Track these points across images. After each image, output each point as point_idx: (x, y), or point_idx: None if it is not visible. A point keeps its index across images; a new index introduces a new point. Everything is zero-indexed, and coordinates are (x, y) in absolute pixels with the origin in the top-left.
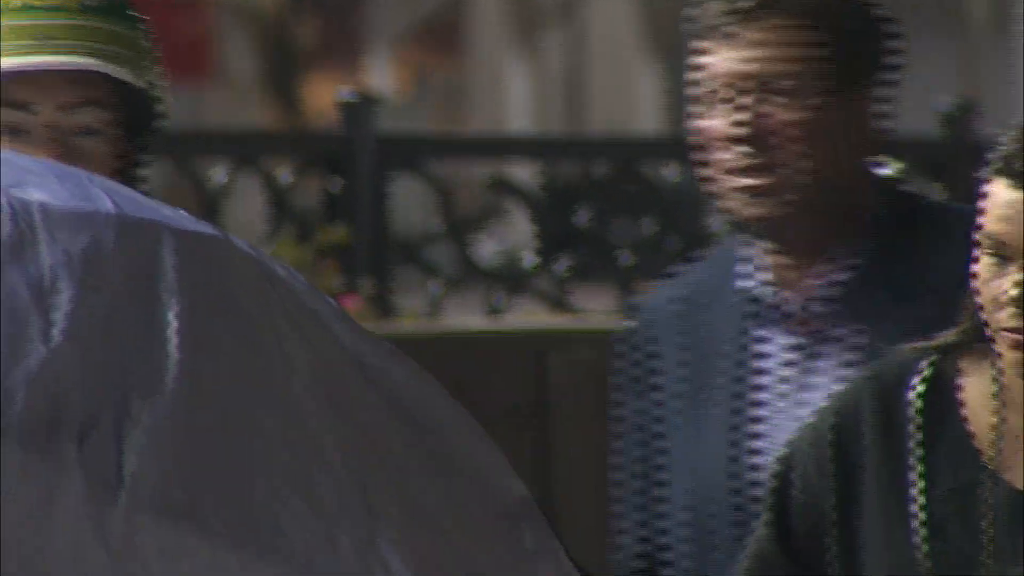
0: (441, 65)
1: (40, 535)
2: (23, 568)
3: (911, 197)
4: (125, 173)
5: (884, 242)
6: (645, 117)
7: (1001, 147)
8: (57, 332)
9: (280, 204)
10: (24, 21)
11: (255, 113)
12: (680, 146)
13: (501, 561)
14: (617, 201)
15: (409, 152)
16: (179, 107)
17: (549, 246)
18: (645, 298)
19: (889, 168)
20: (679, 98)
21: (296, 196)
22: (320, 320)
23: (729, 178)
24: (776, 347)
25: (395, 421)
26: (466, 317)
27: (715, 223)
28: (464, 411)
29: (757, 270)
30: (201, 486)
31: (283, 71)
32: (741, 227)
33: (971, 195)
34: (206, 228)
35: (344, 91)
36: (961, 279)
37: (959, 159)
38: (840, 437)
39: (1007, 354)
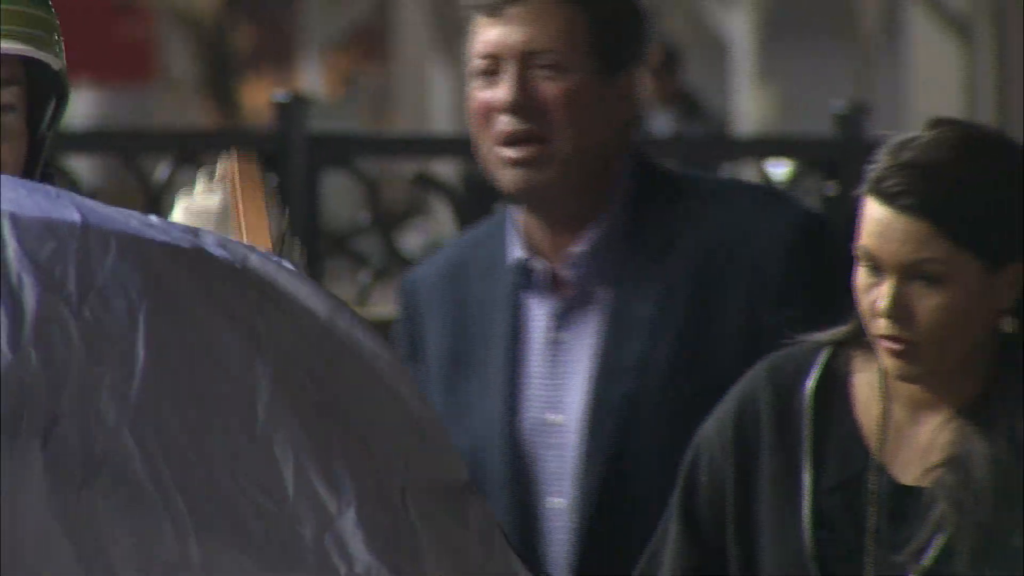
0: (369, 69)
1: (8, 527)
2: None
3: (665, 170)
4: (34, 148)
5: (634, 210)
6: None
7: (874, 166)
8: (24, 337)
9: None
10: None
11: (196, 113)
12: None
13: (450, 536)
14: None
15: (339, 150)
16: (125, 107)
17: None
18: (410, 272)
19: (783, 167)
20: None
21: None
22: (297, 296)
23: (498, 147)
24: (540, 313)
25: (367, 388)
26: (393, 305)
27: None
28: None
29: (523, 239)
30: (167, 481)
31: (221, 74)
32: (508, 197)
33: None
34: (175, 233)
35: (278, 93)
36: (712, 242)
37: (852, 158)
38: (740, 427)
39: (884, 360)
